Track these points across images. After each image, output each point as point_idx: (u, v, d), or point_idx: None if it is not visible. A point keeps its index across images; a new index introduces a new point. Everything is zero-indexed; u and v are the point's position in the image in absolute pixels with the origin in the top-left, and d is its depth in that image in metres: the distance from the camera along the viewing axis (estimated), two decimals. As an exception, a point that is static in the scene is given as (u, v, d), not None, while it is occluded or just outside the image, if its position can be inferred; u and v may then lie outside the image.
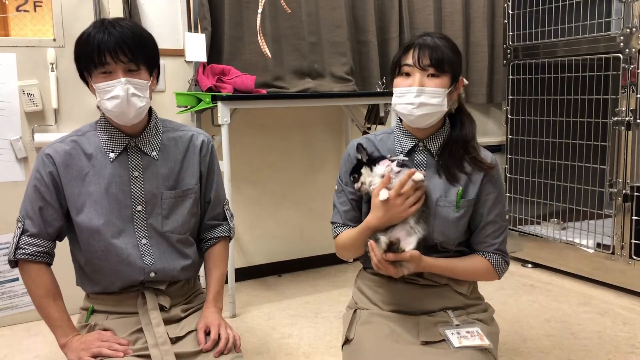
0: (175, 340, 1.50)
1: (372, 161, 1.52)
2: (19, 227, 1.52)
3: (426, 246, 1.51)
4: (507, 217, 1.66)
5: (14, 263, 1.53)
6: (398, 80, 1.53)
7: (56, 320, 1.52)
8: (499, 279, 1.63)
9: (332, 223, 1.67)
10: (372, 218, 1.49)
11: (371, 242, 1.45)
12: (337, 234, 1.64)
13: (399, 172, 1.48)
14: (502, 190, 1.61)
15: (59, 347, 1.95)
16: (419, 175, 1.47)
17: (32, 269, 1.51)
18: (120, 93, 1.43)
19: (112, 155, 1.52)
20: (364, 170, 1.52)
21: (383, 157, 1.54)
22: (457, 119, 1.59)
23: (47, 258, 1.53)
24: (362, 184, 1.52)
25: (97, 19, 1.51)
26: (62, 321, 1.52)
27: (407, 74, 1.50)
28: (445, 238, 1.55)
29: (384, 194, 1.45)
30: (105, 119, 1.55)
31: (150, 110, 1.57)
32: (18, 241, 1.51)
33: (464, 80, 1.58)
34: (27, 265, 1.51)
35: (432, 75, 1.48)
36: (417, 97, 1.47)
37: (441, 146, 1.58)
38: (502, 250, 1.61)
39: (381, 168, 1.50)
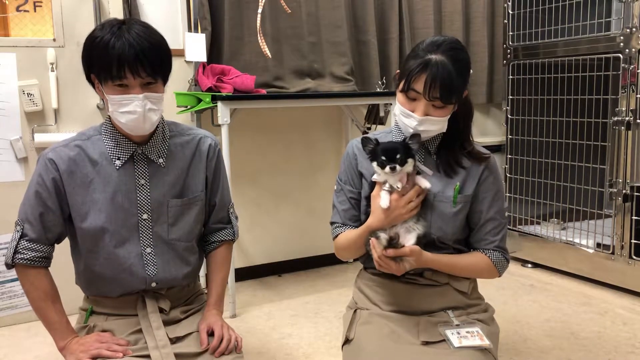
0: (175, 341, 1.50)
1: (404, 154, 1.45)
2: (18, 231, 1.49)
3: (426, 242, 1.51)
4: (506, 214, 1.66)
5: (11, 266, 1.51)
6: (402, 98, 1.50)
7: (54, 323, 1.51)
8: (500, 276, 1.63)
9: (332, 223, 1.67)
10: (374, 220, 1.49)
11: (373, 239, 1.45)
12: (337, 234, 1.64)
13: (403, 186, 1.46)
14: (500, 187, 1.61)
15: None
16: (426, 183, 1.47)
17: (30, 273, 1.50)
18: (137, 109, 1.39)
19: (118, 162, 1.49)
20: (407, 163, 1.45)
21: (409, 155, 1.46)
22: (455, 113, 1.55)
23: (45, 262, 1.52)
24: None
25: (111, 18, 1.44)
26: (60, 324, 1.51)
27: (414, 98, 1.47)
28: (442, 233, 1.55)
29: (385, 201, 1.45)
30: (112, 124, 1.50)
31: None
32: (17, 245, 1.48)
33: (467, 92, 1.55)
34: (25, 269, 1.50)
35: (438, 107, 1.46)
36: (420, 125, 1.47)
37: (439, 145, 1.58)
38: (502, 247, 1.61)
39: (395, 178, 1.46)
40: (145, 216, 1.51)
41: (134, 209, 1.50)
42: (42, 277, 1.51)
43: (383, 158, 1.43)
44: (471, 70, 1.54)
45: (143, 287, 1.54)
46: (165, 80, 1.47)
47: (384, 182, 1.47)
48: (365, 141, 1.50)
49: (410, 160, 1.44)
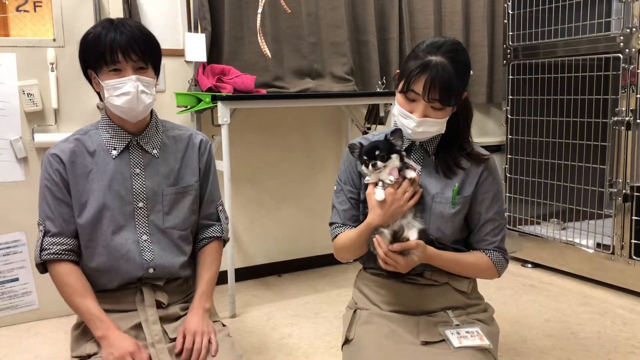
0: (174, 339, 1.50)
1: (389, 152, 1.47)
2: (41, 230, 1.53)
3: (425, 241, 1.51)
4: (505, 215, 1.66)
5: (42, 267, 1.54)
6: (401, 99, 1.50)
7: (86, 315, 1.50)
8: (499, 276, 1.63)
9: (331, 224, 1.66)
10: (374, 217, 1.48)
11: (377, 237, 1.45)
12: (336, 235, 1.63)
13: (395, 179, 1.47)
14: (500, 188, 1.61)
15: (58, 348, 1.94)
16: (412, 173, 1.48)
17: (59, 272, 1.52)
18: (131, 90, 1.47)
19: (114, 152, 1.55)
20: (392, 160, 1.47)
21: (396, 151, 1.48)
22: (454, 114, 1.55)
23: (72, 256, 1.54)
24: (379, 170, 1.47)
25: (103, 18, 1.55)
26: (92, 316, 1.50)
27: (413, 99, 1.47)
28: (441, 234, 1.55)
29: (379, 195, 1.46)
30: (108, 117, 1.58)
31: (151, 110, 1.60)
32: (42, 243, 1.52)
33: (466, 93, 1.55)
34: (54, 265, 1.52)
35: (437, 108, 1.46)
36: (418, 127, 1.47)
37: (437, 145, 1.58)
38: (501, 247, 1.61)
39: (385, 172, 1.48)
40: (140, 204, 1.56)
41: (129, 197, 1.55)
42: (70, 272, 1.52)
43: (365, 157, 1.47)
44: (471, 72, 1.54)
45: (141, 274, 1.55)
46: (155, 69, 1.55)
47: (377, 182, 1.48)
48: (351, 147, 1.54)
49: (394, 156, 1.46)
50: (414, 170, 1.50)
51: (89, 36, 1.48)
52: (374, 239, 1.46)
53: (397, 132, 1.48)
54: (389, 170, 1.47)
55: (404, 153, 1.50)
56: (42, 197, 1.54)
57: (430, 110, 1.46)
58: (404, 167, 1.48)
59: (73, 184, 1.53)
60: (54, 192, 1.52)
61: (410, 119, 1.47)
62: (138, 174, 1.56)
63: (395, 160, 1.47)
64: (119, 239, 1.54)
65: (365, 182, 1.52)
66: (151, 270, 1.56)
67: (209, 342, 1.50)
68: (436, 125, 1.49)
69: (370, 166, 1.46)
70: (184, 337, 1.49)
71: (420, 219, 1.51)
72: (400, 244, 1.43)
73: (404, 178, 1.48)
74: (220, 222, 1.72)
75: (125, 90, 1.47)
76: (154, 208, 1.57)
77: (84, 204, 1.53)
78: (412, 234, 1.46)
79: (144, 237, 1.56)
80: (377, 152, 1.45)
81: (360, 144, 1.53)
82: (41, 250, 1.52)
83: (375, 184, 1.49)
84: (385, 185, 1.47)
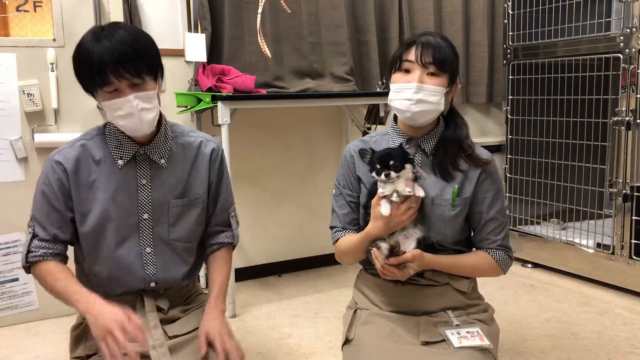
0: (173, 338, 1.50)
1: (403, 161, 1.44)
2: (30, 232, 1.51)
3: (425, 245, 1.51)
4: (507, 213, 1.66)
5: (27, 269, 1.51)
6: (397, 76, 1.52)
7: (65, 293, 1.44)
8: (504, 274, 1.63)
9: (332, 228, 1.67)
10: (374, 227, 1.48)
11: (374, 250, 1.45)
12: (337, 239, 1.63)
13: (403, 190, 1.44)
14: (500, 186, 1.61)
15: (58, 347, 1.93)
16: (422, 192, 1.46)
17: (43, 266, 1.48)
18: (130, 111, 1.39)
19: (120, 162, 1.50)
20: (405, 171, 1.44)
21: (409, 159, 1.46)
22: (450, 120, 1.60)
23: (59, 258, 1.51)
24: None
25: (94, 25, 1.46)
26: (71, 291, 1.43)
27: (407, 70, 1.50)
28: (441, 237, 1.55)
29: (385, 209, 1.43)
30: (114, 125, 1.51)
31: (160, 115, 1.52)
32: (29, 245, 1.49)
33: (459, 84, 1.59)
34: (39, 265, 1.49)
35: (432, 74, 1.49)
36: (416, 94, 1.47)
37: (435, 146, 1.58)
38: (505, 245, 1.61)
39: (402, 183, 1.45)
40: (145, 216, 1.52)
41: (134, 208, 1.51)
42: (54, 266, 1.48)
43: (378, 166, 1.43)
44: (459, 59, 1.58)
45: (142, 287, 1.54)
46: (154, 77, 1.44)
47: (392, 193, 1.43)
48: (362, 153, 1.51)
49: (408, 166, 1.43)
50: (425, 178, 1.50)
51: (79, 52, 1.38)
52: (372, 252, 1.46)
53: (413, 140, 1.47)
54: (404, 182, 1.43)
55: (417, 162, 1.49)
56: (37, 199, 1.50)
57: (426, 77, 1.48)
58: (415, 177, 1.47)
59: (75, 193, 1.49)
60: (50, 200, 1.48)
61: (407, 89, 1.48)
62: (144, 184, 1.52)
63: (409, 171, 1.44)
64: (121, 251, 1.51)
65: (380, 195, 1.45)
66: (153, 284, 1.54)
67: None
68: (434, 95, 1.48)
69: (383, 175, 1.42)
70: (208, 339, 1.47)
71: (421, 226, 1.49)
72: (396, 258, 1.43)
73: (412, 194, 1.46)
74: (231, 228, 1.71)
75: (125, 112, 1.39)
76: (159, 220, 1.53)
77: (86, 213, 1.49)
78: (409, 245, 1.46)
79: (148, 249, 1.53)
80: (391, 162, 1.41)
81: (372, 149, 1.49)
82: (28, 252, 1.48)
83: (389, 195, 1.44)
84: (400, 197, 1.43)
